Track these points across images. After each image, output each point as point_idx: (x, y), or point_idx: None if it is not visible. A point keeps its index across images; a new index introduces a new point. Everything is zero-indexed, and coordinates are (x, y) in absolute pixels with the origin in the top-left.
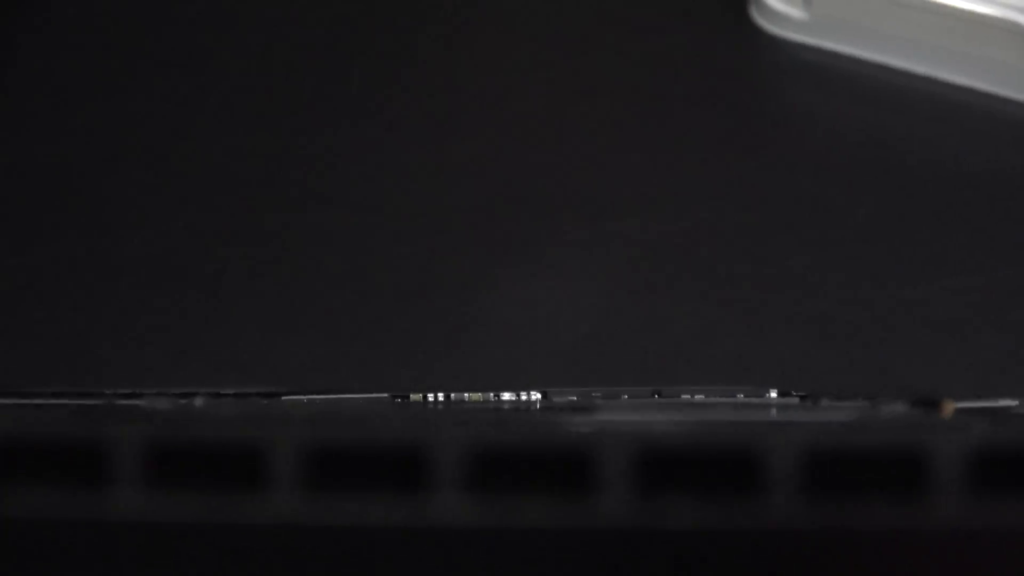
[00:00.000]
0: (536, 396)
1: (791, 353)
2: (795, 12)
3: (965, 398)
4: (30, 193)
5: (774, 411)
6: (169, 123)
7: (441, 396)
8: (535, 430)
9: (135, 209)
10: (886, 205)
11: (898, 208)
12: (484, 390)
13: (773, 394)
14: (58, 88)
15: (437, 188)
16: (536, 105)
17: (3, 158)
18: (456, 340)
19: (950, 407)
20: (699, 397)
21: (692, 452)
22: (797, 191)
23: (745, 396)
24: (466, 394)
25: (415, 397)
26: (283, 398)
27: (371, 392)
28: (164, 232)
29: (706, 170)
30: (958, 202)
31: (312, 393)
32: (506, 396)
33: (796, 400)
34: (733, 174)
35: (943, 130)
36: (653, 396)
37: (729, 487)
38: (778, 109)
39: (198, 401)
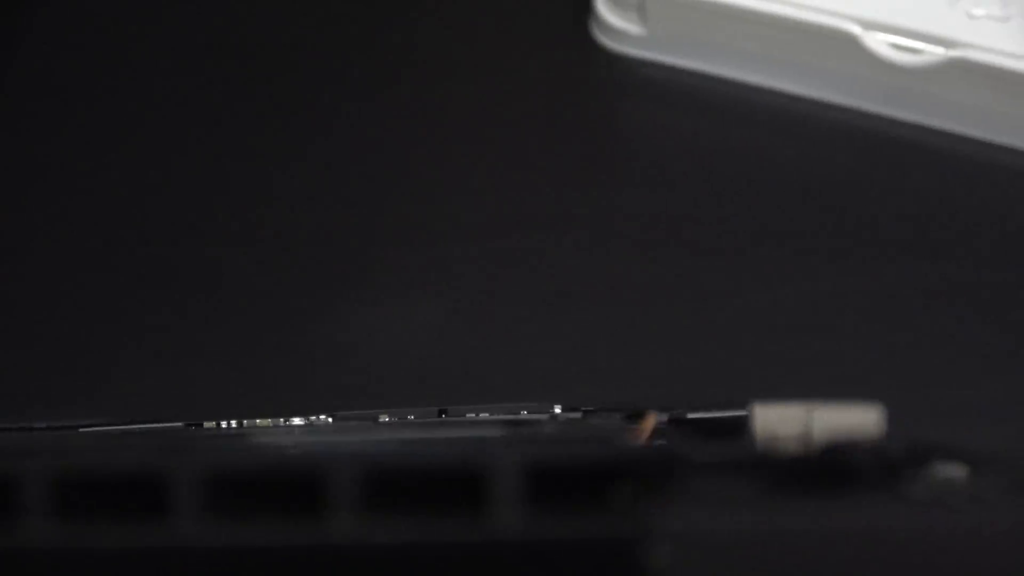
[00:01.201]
0: (327, 419)
1: (628, 367)
2: (633, 28)
3: (694, 409)
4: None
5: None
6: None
7: (234, 423)
8: (263, 454)
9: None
10: (728, 216)
11: (739, 218)
12: (309, 412)
13: (558, 409)
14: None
15: (286, 212)
16: (377, 129)
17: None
18: (294, 364)
19: (650, 421)
20: (484, 415)
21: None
22: (639, 206)
23: (529, 412)
24: (257, 420)
25: (209, 424)
26: (34, 431)
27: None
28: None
29: (546, 189)
30: (798, 211)
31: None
32: (296, 421)
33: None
34: (572, 192)
35: (781, 140)
36: (440, 415)
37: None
38: (618, 125)
39: None
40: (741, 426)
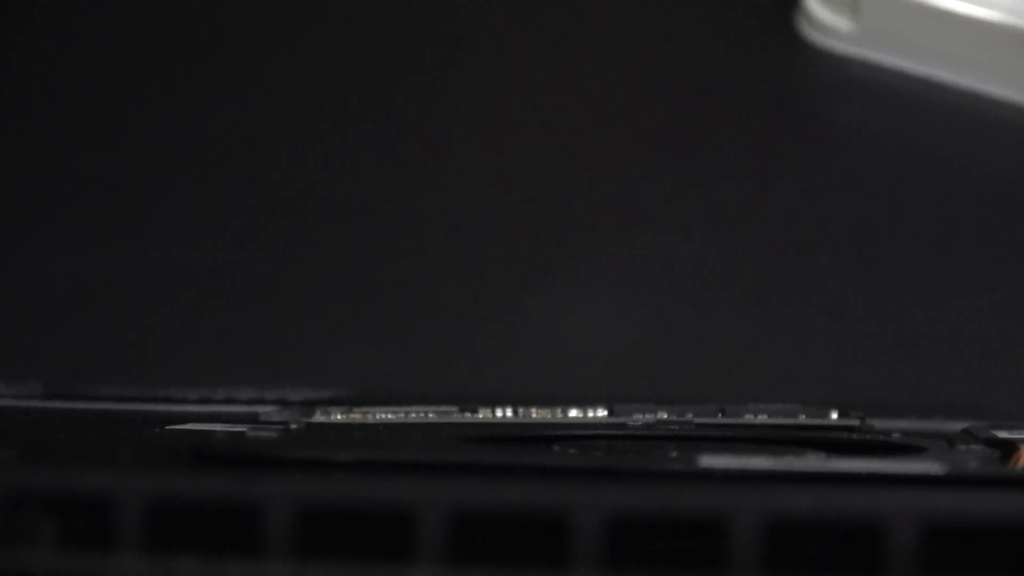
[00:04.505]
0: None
1: (830, 371)
2: (843, 24)
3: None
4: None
5: None
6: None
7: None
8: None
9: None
10: (929, 221)
11: (941, 224)
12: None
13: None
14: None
15: (472, 203)
16: (572, 120)
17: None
18: (491, 354)
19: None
20: (762, 417)
21: None
22: (840, 207)
23: (808, 416)
24: (534, 410)
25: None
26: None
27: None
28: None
29: (747, 186)
30: (1003, 217)
31: None
32: (573, 412)
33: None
34: (775, 190)
35: (990, 145)
36: (718, 414)
37: None
38: (823, 123)
39: None
40: None
